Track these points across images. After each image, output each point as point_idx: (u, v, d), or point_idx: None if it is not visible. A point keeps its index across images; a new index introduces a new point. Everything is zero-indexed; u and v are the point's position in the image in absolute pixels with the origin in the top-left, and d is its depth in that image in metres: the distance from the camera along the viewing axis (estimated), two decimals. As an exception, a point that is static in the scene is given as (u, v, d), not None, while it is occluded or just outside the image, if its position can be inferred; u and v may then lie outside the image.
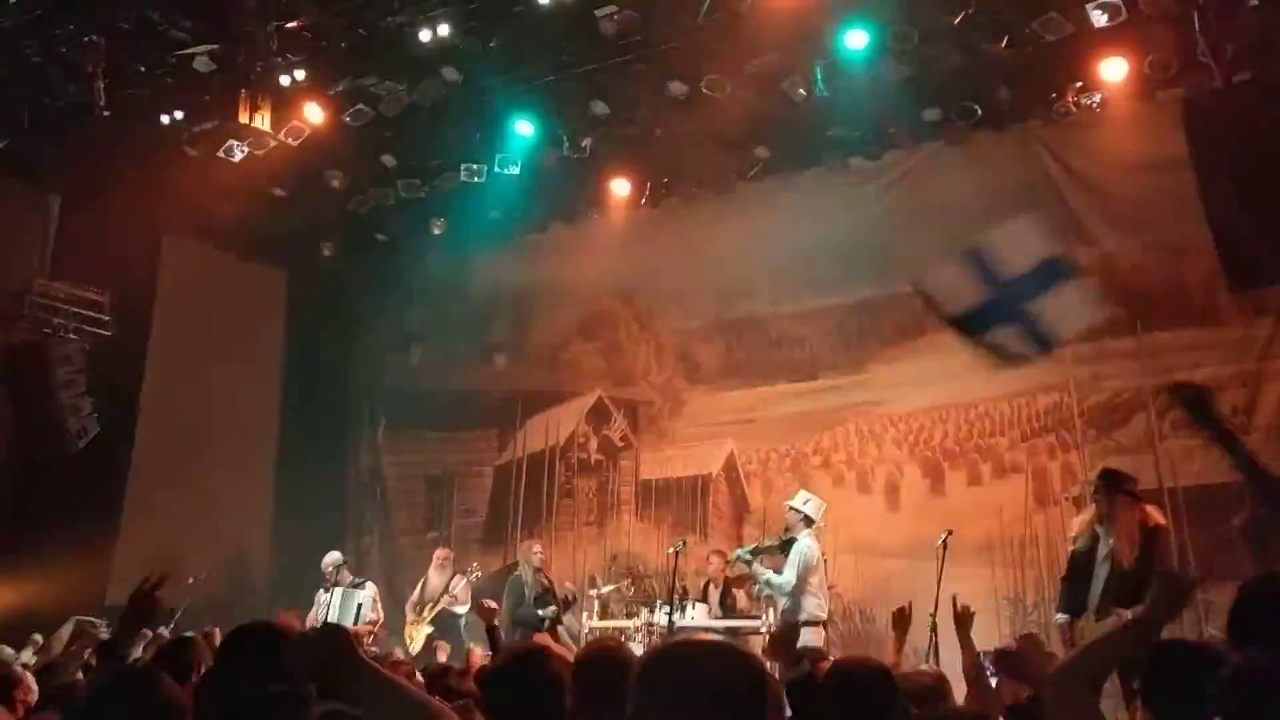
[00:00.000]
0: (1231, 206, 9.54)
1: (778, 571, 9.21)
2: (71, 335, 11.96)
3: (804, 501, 9.39)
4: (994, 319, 4.09)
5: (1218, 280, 10.03)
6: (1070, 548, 7.55)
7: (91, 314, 12.06)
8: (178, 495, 12.52)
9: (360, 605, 10.28)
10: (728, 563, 10.10)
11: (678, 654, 1.97)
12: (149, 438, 12.74)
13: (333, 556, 10.74)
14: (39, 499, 11.72)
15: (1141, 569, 6.67)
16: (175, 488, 12.57)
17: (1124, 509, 7.03)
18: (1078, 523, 7.66)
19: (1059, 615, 7.47)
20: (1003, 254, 4.04)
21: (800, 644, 8.18)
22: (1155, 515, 7.14)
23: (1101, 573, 7.01)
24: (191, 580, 10.04)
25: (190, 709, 2.99)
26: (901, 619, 5.66)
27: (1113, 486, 7.18)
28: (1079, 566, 7.24)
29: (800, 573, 8.97)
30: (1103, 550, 7.07)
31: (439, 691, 4.79)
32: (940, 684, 4.63)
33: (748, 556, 9.50)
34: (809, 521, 9.24)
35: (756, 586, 9.61)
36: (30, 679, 5.19)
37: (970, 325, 4.14)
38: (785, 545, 9.27)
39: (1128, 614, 6.39)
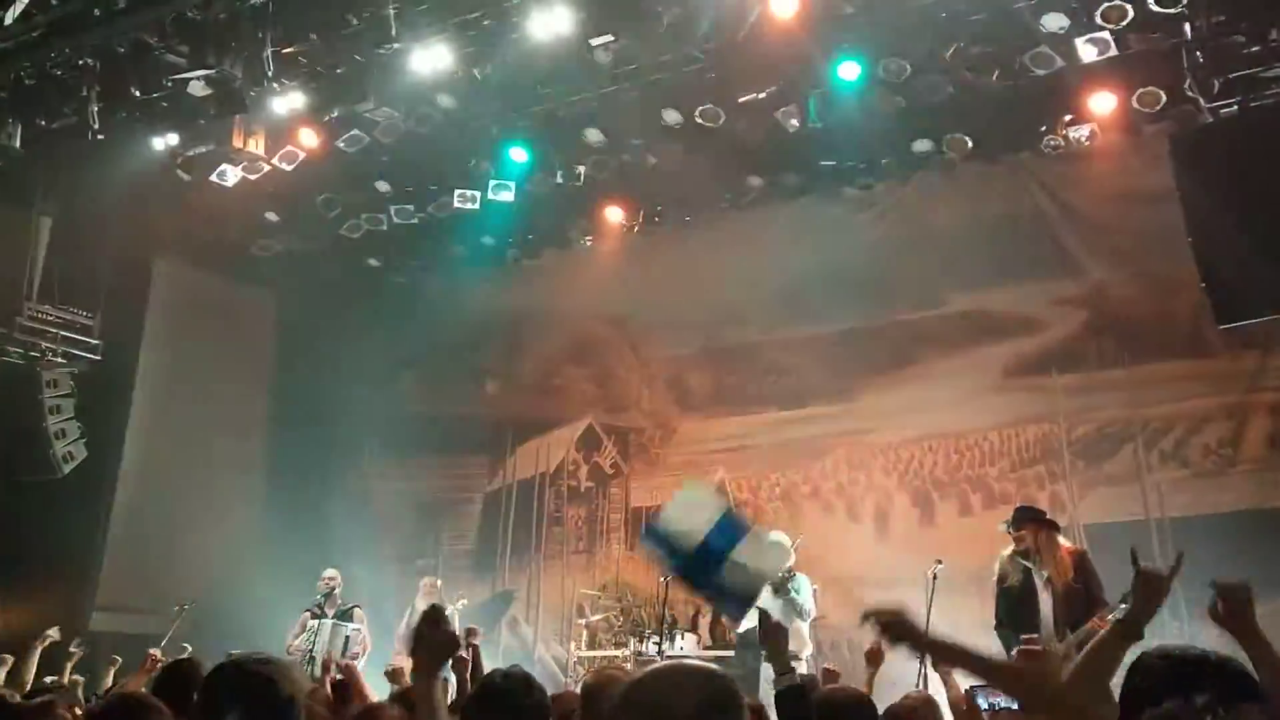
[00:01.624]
0: (1218, 239, 9.60)
1: None
2: (60, 359, 11.91)
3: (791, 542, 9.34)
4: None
5: (1205, 313, 10.10)
6: (999, 587, 7.69)
7: (81, 338, 12.03)
8: (164, 520, 12.47)
9: (348, 639, 10.24)
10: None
11: (651, 681, 1.97)
12: (136, 462, 12.69)
13: (331, 572, 10.73)
14: (25, 523, 11.64)
15: (1085, 590, 7.30)
16: (162, 513, 12.51)
17: (1047, 539, 7.58)
18: (1001, 563, 7.80)
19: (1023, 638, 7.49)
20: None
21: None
22: (1070, 544, 7.89)
23: (1045, 600, 7.40)
24: (178, 608, 9.95)
25: None
26: (875, 656, 5.70)
27: (1040, 521, 7.75)
28: (1018, 602, 7.53)
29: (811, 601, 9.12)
30: (1039, 580, 7.47)
31: None
32: (928, 705, 4.66)
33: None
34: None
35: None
36: None
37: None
38: (781, 584, 9.15)
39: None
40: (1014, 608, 7.57)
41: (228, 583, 12.79)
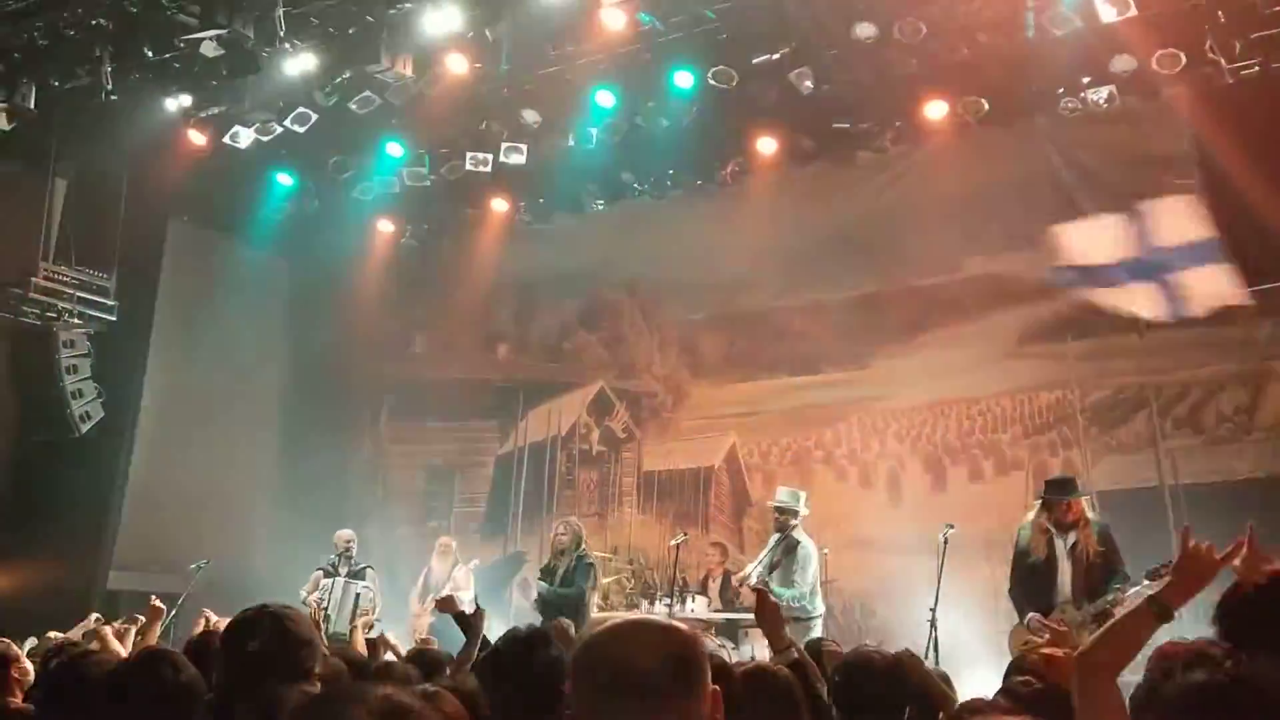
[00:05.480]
0: (1236, 204, 9.51)
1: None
2: (76, 320, 11.98)
3: (796, 499, 9.32)
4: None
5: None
6: (1028, 559, 7.62)
7: (96, 299, 12.09)
8: (180, 481, 12.56)
9: (358, 596, 10.32)
10: (739, 584, 9.74)
11: (611, 637, 1.92)
12: (152, 423, 12.77)
13: (346, 533, 10.79)
14: (42, 484, 11.76)
15: (1105, 561, 7.36)
16: (178, 474, 12.61)
17: (1077, 509, 7.60)
18: (1022, 530, 7.78)
19: (1029, 617, 7.44)
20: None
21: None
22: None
23: (1067, 569, 7.42)
24: (193, 567, 10.03)
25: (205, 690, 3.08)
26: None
27: (1072, 490, 7.76)
28: (1037, 571, 7.53)
29: (813, 576, 9.01)
30: (1063, 549, 7.48)
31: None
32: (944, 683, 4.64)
33: (765, 577, 9.06)
34: (796, 515, 9.22)
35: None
36: (25, 659, 5.14)
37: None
38: (789, 548, 9.16)
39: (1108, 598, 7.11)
40: (1032, 575, 7.57)
41: (243, 542, 12.91)
